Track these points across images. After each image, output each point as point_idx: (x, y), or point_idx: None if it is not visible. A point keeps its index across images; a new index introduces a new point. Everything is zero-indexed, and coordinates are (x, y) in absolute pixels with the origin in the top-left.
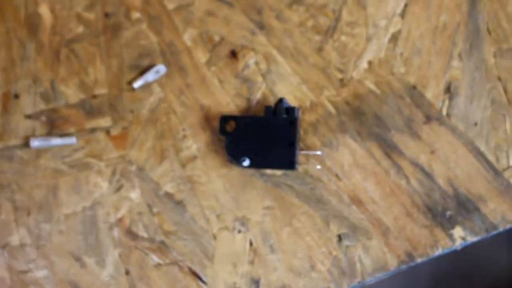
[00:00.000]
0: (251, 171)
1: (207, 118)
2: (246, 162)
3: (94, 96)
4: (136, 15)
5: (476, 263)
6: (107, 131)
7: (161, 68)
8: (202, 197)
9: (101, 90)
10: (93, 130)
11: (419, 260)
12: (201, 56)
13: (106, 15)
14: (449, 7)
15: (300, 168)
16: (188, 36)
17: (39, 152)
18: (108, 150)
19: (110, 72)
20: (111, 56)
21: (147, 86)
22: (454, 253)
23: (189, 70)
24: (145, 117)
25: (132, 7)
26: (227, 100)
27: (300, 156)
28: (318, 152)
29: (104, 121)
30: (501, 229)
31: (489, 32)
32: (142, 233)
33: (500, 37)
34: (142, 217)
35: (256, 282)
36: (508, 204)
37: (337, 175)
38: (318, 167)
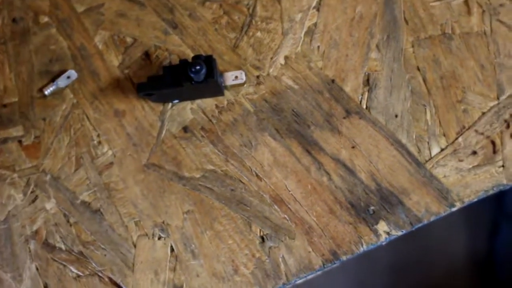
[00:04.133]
0: (169, 175)
1: (122, 123)
2: (176, 101)
3: (4, 105)
4: (44, 19)
5: (434, 246)
6: (19, 141)
7: (72, 73)
8: (120, 204)
9: (11, 99)
10: (4, 140)
11: (343, 257)
12: (114, 59)
13: (14, 20)
14: None
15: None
16: (99, 39)
17: None
18: (20, 160)
19: (19, 80)
20: (20, 63)
21: (59, 93)
22: (411, 237)
23: (102, 74)
24: (58, 125)
25: (40, 11)
26: (142, 103)
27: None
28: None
29: (16, 131)
30: (425, 221)
31: (406, 21)
32: (60, 244)
33: (418, 26)
34: (59, 228)
35: None
36: (431, 196)
37: (257, 175)
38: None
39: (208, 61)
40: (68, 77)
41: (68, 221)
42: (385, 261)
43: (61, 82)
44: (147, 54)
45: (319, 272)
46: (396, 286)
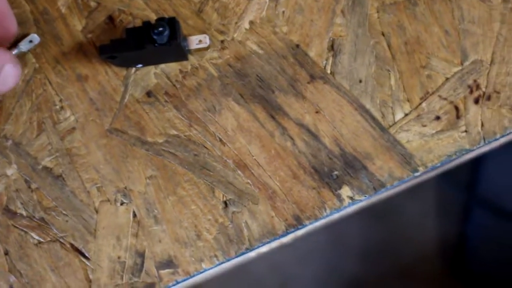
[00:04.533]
0: (132, 140)
1: (84, 88)
2: (140, 65)
3: None
4: None
5: (405, 231)
6: None
7: (34, 37)
8: (82, 169)
9: None
10: None
11: (307, 222)
12: (77, 23)
13: None
14: None
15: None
16: (62, 3)
17: None
18: None
19: None
20: None
21: (21, 57)
22: (382, 223)
23: (65, 38)
24: (20, 89)
25: None
26: (105, 68)
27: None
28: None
29: None
30: (388, 186)
31: None
32: (21, 210)
33: None
34: (20, 194)
35: (141, 254)
36: (395, 161)
37: (221, 140)
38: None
39: (172, 23)
40: (31, 41)
41: (29, 187)
42: (357, 247)
43: (23, 46)
44: (110, 18)
45: (283, 239)
46: (368, 272)
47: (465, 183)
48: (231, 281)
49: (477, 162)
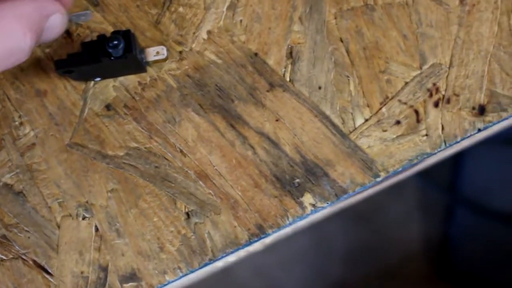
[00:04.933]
0: (93, 154)
1: (43, 103)
2: (98, 78)
3: None
4: None
5: (388, 232)
6: None
7: (87, 14)
8: (43, 185)
9: None
10: None
11: (269, 231)
12: None
13: None
14: None
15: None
16: None
17: None
18: None
19: None
20: None
21: None
22: (365, 224)
23: None
24: None
25: None
26: (64, 83)
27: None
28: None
29: None
30: (350, 192)
31: None
32: None
33: None
34: None
35: (104, 269)
36: (356, 167)
37: (181, 151)
38: None
39: (127, 36)
40: (83, 16)
41: None
42: (341, 249)
43: (75, 17)
44: (68, 33)
45: (248, 248)
46: (353, 274)
47: (447, 182)
48: (215, 287)
49: (459, 161)
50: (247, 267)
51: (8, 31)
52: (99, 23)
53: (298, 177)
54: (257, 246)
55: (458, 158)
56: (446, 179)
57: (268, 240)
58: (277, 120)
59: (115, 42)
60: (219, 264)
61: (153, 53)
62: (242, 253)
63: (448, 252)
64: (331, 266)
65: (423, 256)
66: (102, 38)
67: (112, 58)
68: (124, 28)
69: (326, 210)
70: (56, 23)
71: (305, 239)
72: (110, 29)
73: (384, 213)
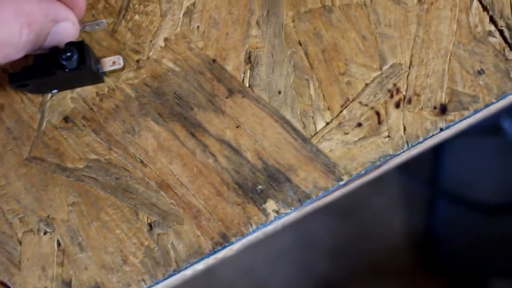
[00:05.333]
0: (52, 167)
1: (0, 117)
2: (55, 91)
3: None
4: None
5: (372, 228)
6: None
7: (102, 23)
8: (3, 201)
9: None
10: None
11: (233, 239)
12: None
13: None
14: None
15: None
16: None
17: None
18: None
19: None
20: None
21: None
22: (349, 219)
23: None
24: None
25: None
26: (21, 96)
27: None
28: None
29: None
30: (314, 197)
31: None
32: None
33: (297, 0)
34: None
35: (68, 283)
36: (319, 171)
37: (142, 162)
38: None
39: (80, 47)
40: (97, 25)
41: None
42: (326, 244)
43: (89, 26)
44: None
45: (210, 257)
46: (338, 269)
47: (428, 175)
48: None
49: (438, 154)
50: (233, 266)
51: (3, 21)
52: None
53: (260, 183)
54: (238, 245)
55: (437, 151)
56: (426, 172)
57: (251, 238)
58: (237, 127)
59: (69, 54)
60: (187, 272)
61: (109, 63)
62: (221, 254)
63: (432, 244)
64: (317, 262)
65: (408, 249)
66: (55, 50)
67: (66, 70)
68: (79, 39)
69: (308, 207)
70: (66, 30)
71: (290, 236)
72: None
73: (367, 208)
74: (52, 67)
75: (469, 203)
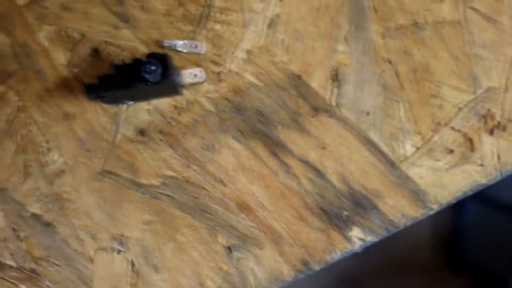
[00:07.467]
0: (126, 182)
1: (72, 127)
2: (131, 102)
3: None
4: None
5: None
6: None
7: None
8: (74, 216)
9: None
10: None
11: (316, 267)
12: (61, 57)
13: None
14: None
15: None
16: (44, 35)
17: None
18: None
19: None
20: None
21: (1, 95)
22: None
23: (48, 73)
24: (2, 130)
25: None
26: (94, 105)
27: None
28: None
29: None
30: (401, 226)
31: (375, 10)
32: (9, 261)
33: (387, 15)
34: (8, 244)
35: None
36: (407, 199)
37: (221, 181)
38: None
39: (164, 60)
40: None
41: (18, 236)
42: None
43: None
44: (96, 51)
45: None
46: (362, 266)
47: None
48: None
49: None
50: None
51: None
52: (129, 41)
53: (345, 209)
54: None
55: None
56: None
57: None
58: (322, 148)
59: (152, 68)
60: None
61: (190, 75)
62: None
63: (458, 242)
64: (340, 259)
65: (432, 247)
66: (137, 61)
67: (148, 83)
68: (155, 49)
69: None
70: None
71: None
72: (142, 47)
73: None
74: (133, 79)
75: (497, 203)
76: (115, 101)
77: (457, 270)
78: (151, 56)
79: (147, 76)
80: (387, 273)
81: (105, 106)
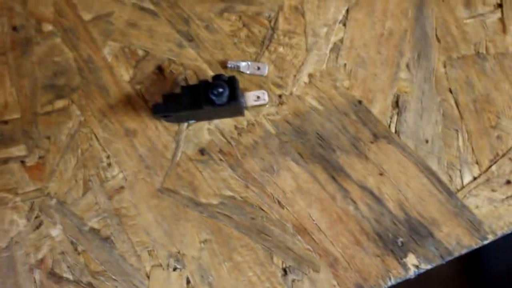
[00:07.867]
0: (185, 201)
1: (133, 144)
2: (193, 121)
3: (5, 122)
4: (48, 27)
5: None
6: (22, 161)
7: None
8: (132, 232)
9: (13, 115)
10: (5, 160)
11: None
12: (124, 73)
13: (14, 28)
14: (395, 13)
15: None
16: (108, 51)
17: None
18: (23, 182)
19: (21, 94)
20: (22, 76)
21: (64, 109)
22: None
23: (111, 89)
24: (64, 144)
25: (44, 19)
26: (155, 123)
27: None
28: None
29: (18, 150)
30: (456, 254)
31: (438, 39)
32: (67, 274)
33: (450, 44)
34: (66, 257)
35: None
36: (463, 228)
37: (279, 203)
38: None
39: (231, 82)
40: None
41: (76, 249)
42: None
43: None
44: (160, 69)
45: None
46: None
47: None
48: None
49: None
50: None
51: None
52: (193, 60)
53: (401, 236)
54: None
55: None
56: None
57: None
58: (381, 174)
59: (220, 90)
60: None
61: (253, 97)
62: None
63: (480, 258)
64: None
65: (454, 260)
66: (204, 83)
67: (215, 105)
68: (219, 68)
69: None
70: None
71: None
72: (204, 67)
73: None
74: (200, 101)
75: None
76: (178, 120)
77: (477, 284)
78: (218, 78)
79: (214, 98)
80: (407, 283)
81: (166, 124)
